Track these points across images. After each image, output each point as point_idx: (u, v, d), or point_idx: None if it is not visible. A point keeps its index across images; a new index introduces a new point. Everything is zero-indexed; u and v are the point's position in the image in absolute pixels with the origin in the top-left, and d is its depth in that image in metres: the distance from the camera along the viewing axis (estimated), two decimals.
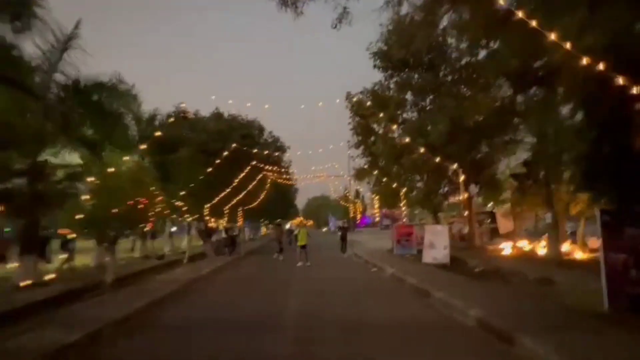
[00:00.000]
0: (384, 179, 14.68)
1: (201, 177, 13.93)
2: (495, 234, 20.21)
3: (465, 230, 20.36)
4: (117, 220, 9.01)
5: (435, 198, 12.22)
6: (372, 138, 14.58)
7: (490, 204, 20.25)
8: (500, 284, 8.31)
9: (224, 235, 24.10)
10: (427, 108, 12.51)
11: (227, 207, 15.60)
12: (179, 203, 13.06)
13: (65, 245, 11.87)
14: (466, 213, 14.57)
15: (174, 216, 13.59)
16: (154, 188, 10.33)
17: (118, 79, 14.57)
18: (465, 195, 13.42)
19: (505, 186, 15.43)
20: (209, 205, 14.25)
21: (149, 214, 10.29)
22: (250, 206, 18.27)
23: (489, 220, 21.03)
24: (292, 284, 9.61)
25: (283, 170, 21.04)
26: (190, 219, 14.33)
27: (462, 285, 8.16)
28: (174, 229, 23.26)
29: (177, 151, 15.74)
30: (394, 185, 13.55)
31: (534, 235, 17.23)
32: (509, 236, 18.67)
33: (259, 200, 18.61)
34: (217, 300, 7.87)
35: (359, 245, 23.43)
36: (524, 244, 15.56)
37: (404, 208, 14.86)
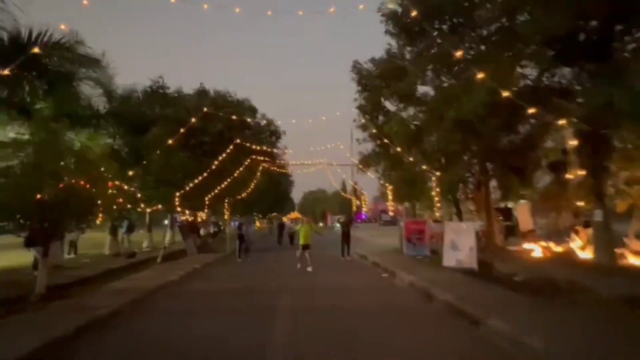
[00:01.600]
0: (396, 167, 12.41)
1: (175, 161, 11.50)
2: (510, 232, 18.12)
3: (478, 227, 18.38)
4: (48, 209, 6.65)
5: (462, 188, 9.93)
6: (381, 118, 12.25)
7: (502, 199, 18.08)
8: (567, 304, 6.08)
9: (212, 229, 21.79)
10: (449, 82, 10.17)
11: (207, 197, 13.21)
12: (139, 195, 10.65)
13: None
14: (473, 208, 12.35)
15: (129, 206, 11.18)
16: (105, 171, 7.94)
17: (75, 39, 12.22)
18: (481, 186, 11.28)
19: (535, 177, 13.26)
20: (179, 194, 11.86)
21: (97, 203, 7.90)
22: (238, 197, 15.95)
23: (499, 217, 18.97)
24: (285, 296, 7.32)
25: (277, 157, 18.68)
26: (148, 210, 11.93)
27: (514, 303, 5.94)
28: (165, 222, 21.00)
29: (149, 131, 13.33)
30: (410, 172, 11.26)
31: (555, 235, 15.16)
32: (528, 235, 16.62)
33: (249, 190, 16.25)
34: (170, 327, 5.48)
35: (361, 242, 21.22)
36: (549, 244, 13.44)
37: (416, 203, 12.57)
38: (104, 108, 15.12)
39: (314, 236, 12.20)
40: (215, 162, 12.72)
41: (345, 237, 14.86)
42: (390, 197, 13.16)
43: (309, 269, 10.54)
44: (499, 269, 9.44)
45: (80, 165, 7.12)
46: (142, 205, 11.33)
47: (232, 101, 15.77)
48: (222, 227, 19.76)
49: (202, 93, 15.82)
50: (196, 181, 12.15)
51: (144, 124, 13.94)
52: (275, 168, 17.77)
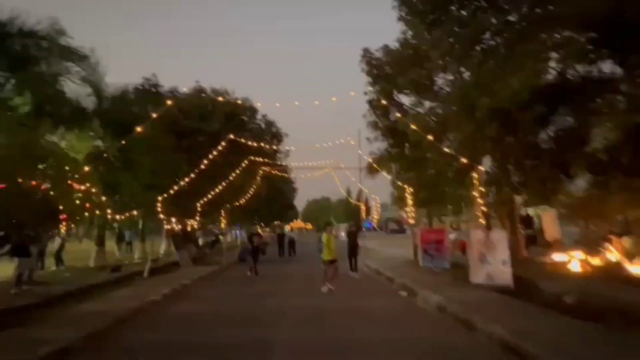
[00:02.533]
0: (416, 168, 10.99)
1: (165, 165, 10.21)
2: (531, 242, 16.54)
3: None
4: None
5: (505, 188, 8.42)
6: (396, 114, 10.88)
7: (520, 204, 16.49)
8: None
9: (210, 239, 20.36)
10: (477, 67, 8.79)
11: (199, 203, 11.83)
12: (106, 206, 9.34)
13: None
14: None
15: (98, 213, 9.86)
16: (70, 170, 6.65)
17: (56, 30, 11.11)
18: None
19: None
20: (161, 198, 10.50)
21: (56, 207, 6.59)
22: (236, 204, 14.58)
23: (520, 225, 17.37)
24: (285, 327, 5.89)
25: (279, 161, 17.35)
26: (119, 217, 10.60)
27: (590, 339, 4.46)
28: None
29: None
30: (428, 173, 9.78)
31: (585, 245, 13.57)
32: (554, 245, 15.06)
33: (249, 196, 14.89)
34: None
35: (371, 253, 19.72)
36: (579, 256, 11.87)
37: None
38: (94, 108, 14.15)
39: (313, 246, 10.68)
40: (205, 162, 11.37)
41: (352, 249, 13.33)
42: (409, 200, 11.66)
43: (330, 287, 8.68)
44: (543, 288, 7.95)
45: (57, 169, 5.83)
46: (109, 212, 9.95)
47: (230, 100, 14.58)
48: (219, 237, 18.39)
49: (199, 92, 14.62)
50: (182, 183, 10.77)
51: (135, 124, 12.76)
52: (276, 171, 16.45)
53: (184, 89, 14.56)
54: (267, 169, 15.06)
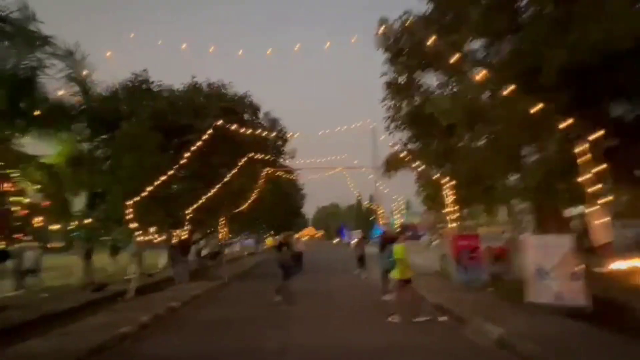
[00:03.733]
0: (441, 164, 9.11)
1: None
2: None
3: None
4: None
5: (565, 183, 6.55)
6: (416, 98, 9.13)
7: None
8: None
9: (204, 251, 18.64)
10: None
11: (190, 209, 10.12)
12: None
13: None
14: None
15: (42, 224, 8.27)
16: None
17: (26, 14, 9.78)
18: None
19: None
20: (133, 202, 8.82)
21: None
22: (237, 210, 12.88)
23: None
24: None
25: (283, 162, 15.65)
26: (66, 224, 8.99)
27: None
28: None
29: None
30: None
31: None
32: (603, 251, 12.91)
33: (253, 202, 13.15)
34: None
35: None
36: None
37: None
38: (79, 107, 12.83)
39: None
40: (188, 156, 9.69)
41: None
42: (448, 197, 9.70)
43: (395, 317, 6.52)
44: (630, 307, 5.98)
45: None
46: (39, 219, 8.37)
47: (228, 95, 13.06)
48: (221, 248, 16.69)
49: (194, 88, 13.12)
50: (156, 183, 9.08)
51: (115, 121, 11.30)
52: (281, 173, 14.74)
53: (180, 84, 13.09)
54: (269, 169, 13.35)
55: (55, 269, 14.83)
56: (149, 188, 9.80)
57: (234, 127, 10.68)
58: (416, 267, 15.85)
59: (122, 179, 9.34)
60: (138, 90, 12.42)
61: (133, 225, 9.20)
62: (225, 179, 10.29)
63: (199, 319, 7.58)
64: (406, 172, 12.59)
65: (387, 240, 8.02)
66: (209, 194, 9.94)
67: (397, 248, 6.86)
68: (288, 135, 15.75)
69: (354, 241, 50.03)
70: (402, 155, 10.18)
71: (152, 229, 10.41)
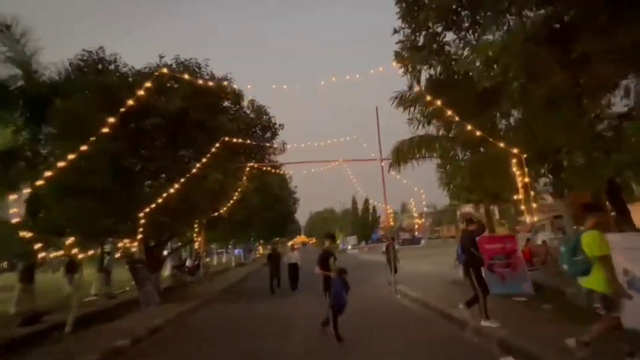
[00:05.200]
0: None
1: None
2: None
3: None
4: None
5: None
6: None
7: None
8: None
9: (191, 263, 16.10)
10: None
11: (145, 211, 7.58)
12: None
13: None
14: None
15: None
16: None
17: None
18: None
19: None
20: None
21: None
22: (216, 214, 10.48)
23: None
24: None
25: (272, 157, 13.36)
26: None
27: None
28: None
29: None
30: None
31: None
32: None
33: (233, 203, 10.73)
34: None
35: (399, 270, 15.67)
36: None
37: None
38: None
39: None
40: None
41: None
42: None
43: None
44: None
45: None
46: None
47: (202, 75, 10.81)
48: (197, 260, 14.22)
49: (160, 68, 10.76)
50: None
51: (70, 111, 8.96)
52: (269, 168, 12.40)
53: (146, 63, 10.76)
54: (255, 164, 10.98)
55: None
56: (100, 185, 7.47)
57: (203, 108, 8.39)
58: (428, 275, 13.81)
59: (58, 175, 6.97)
60: (92, 71, 10.09)
61: (70, 238, 6.81)
62: (194, 170, 7.97)
63: None
64: (420, 163, 10.52)
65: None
66: (170, 192, 7.57)
67: (589, 237, 3.80)
68: (277, 126, 13.53)
69: (349, 246, 47.42)
70: (419, 137, 8.09)
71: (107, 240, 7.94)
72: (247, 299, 11.03)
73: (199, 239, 10.57)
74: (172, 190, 7.66)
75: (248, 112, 13.28)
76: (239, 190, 10.43)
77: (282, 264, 11.46)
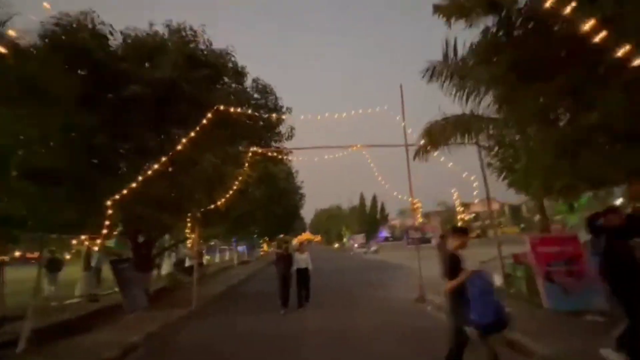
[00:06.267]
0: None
1: None
2: None
3: None
4: None
5: None
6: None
7: None
8: None
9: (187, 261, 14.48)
10: None
11: (111, 200, 5.97)
12: None
13: None
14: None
15: None
16: None
17: None
18: None
19: None
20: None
21: None
22: (213, 206, 8.88)
23: None
24: None
25: (280, 143, 11.74)
26: None
27: None
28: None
29: None
30: None
31: None
32: None
33: (233, 193, 9.07)
34: None
35: (411, 275, 13.99)
36: None
37: None
38: None
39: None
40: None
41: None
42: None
43: None
44: None
45: None
46: None
47: (199, 47, 9.21)
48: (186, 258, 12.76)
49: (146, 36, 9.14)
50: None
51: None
52: (274, 153, 10.73)
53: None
54: (259, 149, 9.28)
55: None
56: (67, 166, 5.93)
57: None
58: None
59: (8, 149, 5.45)
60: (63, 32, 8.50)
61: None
62: (179, 147, 6.36)
63: None
64: (455, 147, 8.86)
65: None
66: (154, 177, 5.97)
67: None
68: (284, 109, 11.88)
69: (356, 244, 45.74)
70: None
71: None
72: (248, 307, 9.46)
73: (193, 236, 9.00)
74: (153, 175, 6.02)
75: (251, 92, 11.67)
76: (240, 179, 8.83)
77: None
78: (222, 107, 7.17)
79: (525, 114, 5.14)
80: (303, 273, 8.59)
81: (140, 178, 5.86)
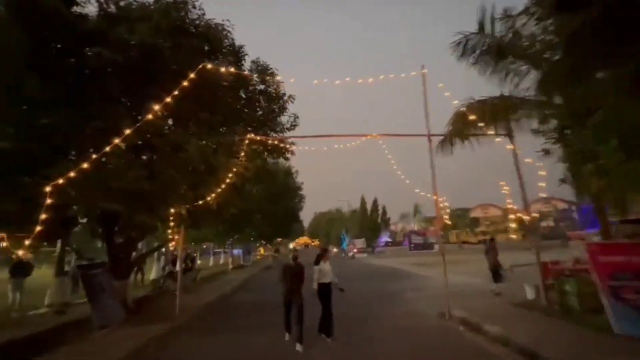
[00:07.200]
0: None
1: None
2: None
3: None
4: None
5: None
6: None
7: None
8: None
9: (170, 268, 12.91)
10: None
11: (47, 187, 4.57)
12: None
13: None
14: None
15: None
16: None
17: None
18: None
19: None
20: None
21: None
22: (200, 202, 7.44)
23: None
24: None
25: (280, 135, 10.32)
26: None
27: None
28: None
29: None
30: None
31: None
32: None
33: (226, 187, 7.62)
34: None
35: (418, 282, 12.66)
36: None
37: None
38: None
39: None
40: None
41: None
42: None
43: None
44: None
45: None
46: None
47: (187, 18, 7.86)
48: (189, 263, 11.36)
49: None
50: None
51: None
52: (275, 141, 9.29)
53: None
54: (255, 136, 7.77)
55: None
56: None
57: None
58: (473, 289, 10.73)
59: None
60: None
61: None
62: (149, 116, 4.95)
63: None
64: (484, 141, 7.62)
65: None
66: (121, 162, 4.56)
67: None
68: (287, 97, 10.52)
69: (355, 249, 44.22)
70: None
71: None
72: (243, 323, 7.97)
73: (177, 237, 7.57)
74: (125, 161, 4.58)
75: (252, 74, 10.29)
76: (235, 170, 7.43)
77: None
78: (209, 65, 5.80)
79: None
80: (325, 291, 6.07)
81: (103, 160, 4.47)
